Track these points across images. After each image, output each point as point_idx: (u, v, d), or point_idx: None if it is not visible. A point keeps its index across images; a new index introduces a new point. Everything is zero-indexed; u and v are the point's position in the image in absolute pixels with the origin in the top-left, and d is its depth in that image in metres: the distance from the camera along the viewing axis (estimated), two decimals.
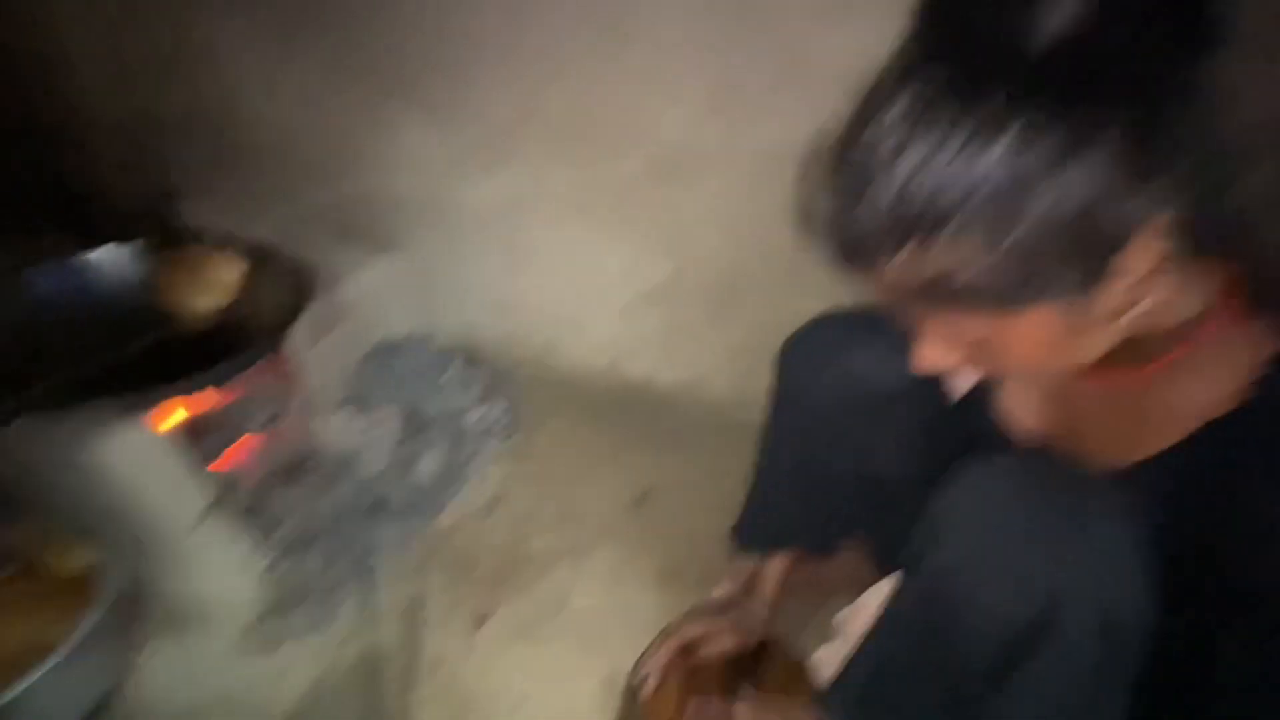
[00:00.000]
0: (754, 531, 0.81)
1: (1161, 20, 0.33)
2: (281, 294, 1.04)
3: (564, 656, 0.88)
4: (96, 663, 0.77)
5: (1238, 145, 0.39)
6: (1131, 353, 0.45)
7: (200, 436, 0.97)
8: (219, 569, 0.92)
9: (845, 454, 0.69)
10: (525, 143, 1.08)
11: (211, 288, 1.04)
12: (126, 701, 0.82)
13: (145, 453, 0.85)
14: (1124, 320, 0.41)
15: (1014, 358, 0.43)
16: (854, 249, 0.41)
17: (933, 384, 0.63)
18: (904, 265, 0.39)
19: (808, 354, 0.70)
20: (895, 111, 0.37)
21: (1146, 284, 0.39)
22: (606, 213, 1.09)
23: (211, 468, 0.97)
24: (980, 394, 0.61)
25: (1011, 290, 0.38)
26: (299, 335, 1.04)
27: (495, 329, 1.28)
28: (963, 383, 0.63)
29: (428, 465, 1.11)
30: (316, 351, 1.08)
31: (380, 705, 0.83)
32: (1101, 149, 0.34)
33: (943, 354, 0.46)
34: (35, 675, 0.68)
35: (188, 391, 0.89)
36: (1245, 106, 0.38)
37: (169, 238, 1.10)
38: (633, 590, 0.96)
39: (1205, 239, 0.39)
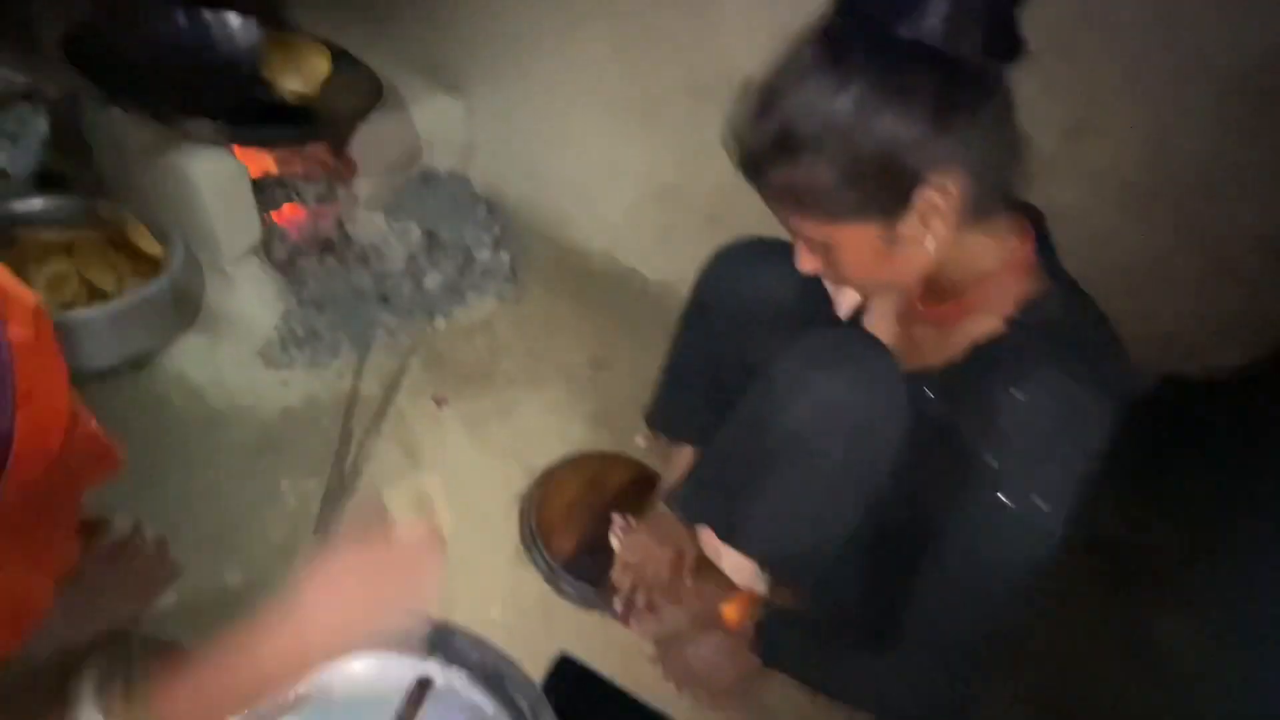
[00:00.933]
0: (661, 420, 0.96)
1: (985, 34, 0.49)
2: (356, 99, 1.22)
3: (494, 451, 1.09)
4: (144, 323, 0.99)
5: (1016, 134, 0.54)
6: (949, 291, 0.62)
7: (266, 189, 1.17)
8: (252, 296, 1.13)
9: (740, 356, 0.79)
10: (590, 41, 1.23)
11: (303, 74, 1.22)
12: (159, 367, 1.04)
13: (225, 176, 1.05)
14: (927, 246, 0.56)
15: (849, 265, 0.59)
16: (748, 161, 0.56)
17: (825, 304, 0.80)
18: (778, 177, 0.55)
19: (722, 269, 0.82)
20: (794, 59, 0.52)
21: (939, 218, 0.54)
22: (640, 116, 1.25)
23: (266, 215, 1.17)
24: (856, 317, 0.79)
25: (840, 204, 0.54)
26: (361, 138, 1.22)
27: (522, 190, 1.46)
28: (845, 306, 0.81)
29: (433, 280, 1.30)
30: (371, 156, 1.27)
31: (348, 432, 1.05)
32: (915, 106, 0.49)
33: (808, 258, 0.61)
34: (98, 309, 0.90)
35: (269, 144, 1.08)
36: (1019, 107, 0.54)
37: (277, 22, 1.27)
38: (566, 421, 1.17)
39: (988, 197, 0.55)
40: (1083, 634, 0.95)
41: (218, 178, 1.04)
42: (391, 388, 1.13)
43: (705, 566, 0.87)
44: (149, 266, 1.01)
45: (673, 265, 1.37)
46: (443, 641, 0.71)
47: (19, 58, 1.16)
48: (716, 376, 0.85)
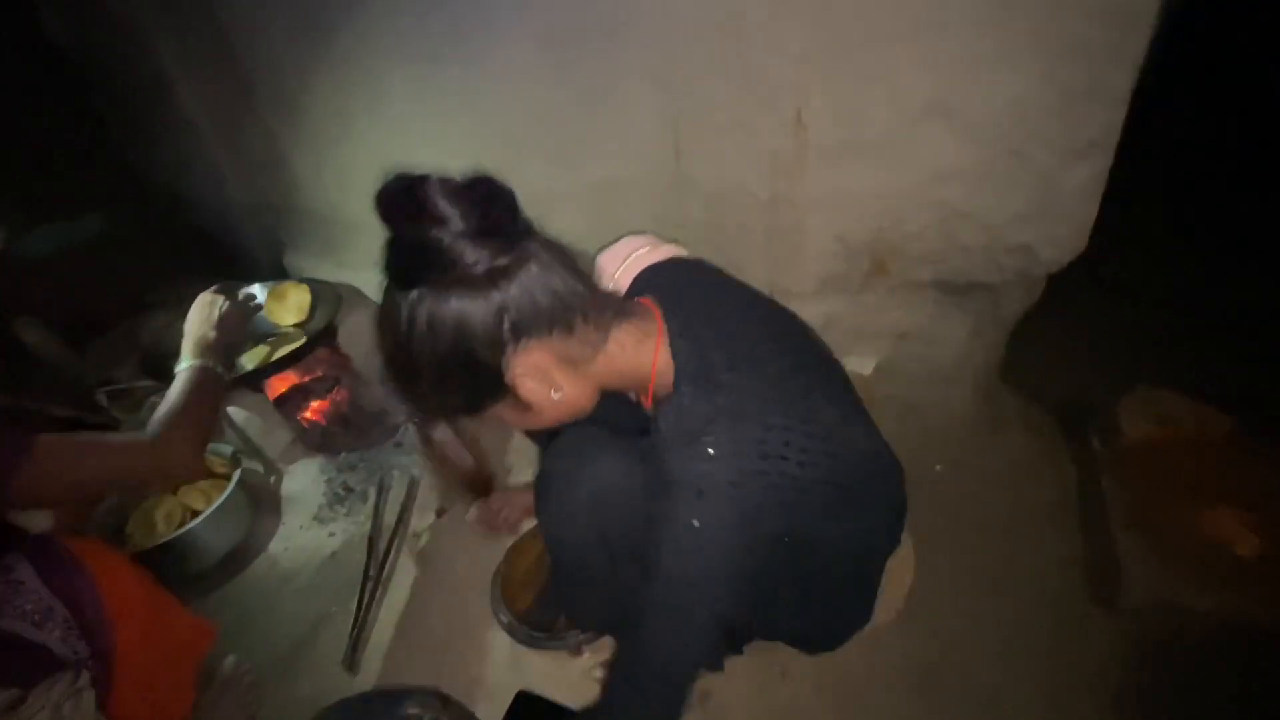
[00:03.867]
0: None
1: (510, 250, 0.61)
2: (330, 308, 1.62)
3: (486, 540, 1.36)
4: (231, 521, 1.40)
5: (563, 278, 0.64)
6: (640, 385, 0.73)
7: (292, 398, 1.59)
8: (302, 478, 1.53)
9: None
10: None
11: (295, 308, 1.65)
12: (250, 548, 1.45)
13: (258, 409, 1.48)
14: (557, 396, 0.66)
15: (524, 425, 0.71)
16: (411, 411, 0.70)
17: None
18: (425, 407, 0.68)
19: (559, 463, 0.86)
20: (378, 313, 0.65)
21: (547, 374, 0.65)
22: None
23: (298, 416, 1.59)
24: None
25: (463, 404, 0.66)
26: (344, 336, 1.62)
27: None
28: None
29: None
30: (355, 342, 1.66)
31: (377, 555, 1.37)
32: (478, 321, 0.60)
33: (515, 425, 0.73)
34: (193, 523, 1.31)
35: (278, 372, 1.50)
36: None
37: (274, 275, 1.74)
38: None
39: (577, 336, 0.65)
40: None
41: (254, 411, 1.46)
42: (405, 512, 1.46)
43: None
44: (227, 483, 1.43)
45: None
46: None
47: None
48: None
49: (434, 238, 0.58)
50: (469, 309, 0.60)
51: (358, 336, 1.68)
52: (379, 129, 1.59)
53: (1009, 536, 1.31)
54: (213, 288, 1.17)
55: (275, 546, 1.44)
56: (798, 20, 1.03)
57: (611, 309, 0.69)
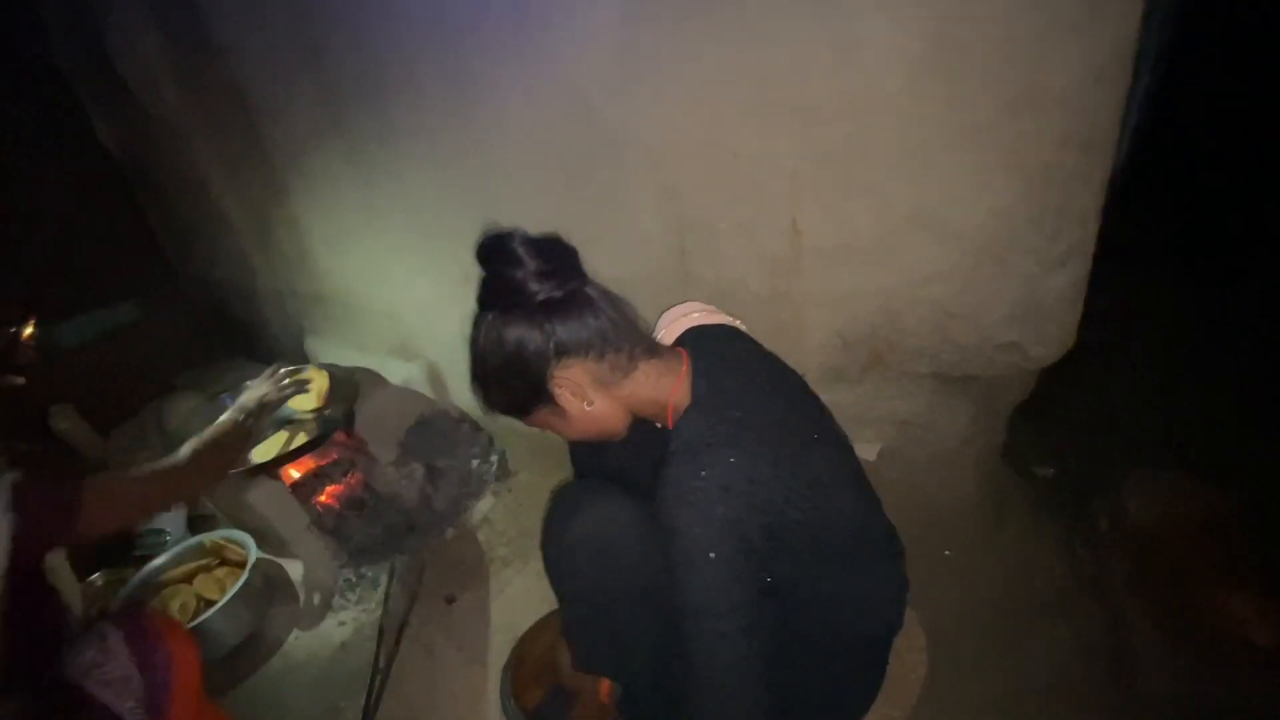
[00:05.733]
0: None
1: (559, 281, 0.76)
2: (348, 392, 1.68)
3: (492, 629, 1.36)
4: (245, 610, 1.42)
5: (613, 316, 0.79)
6: (654, 416, 0.85)
7: (308, 482, 1.63)
8: (314, 563, 1.55)
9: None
10: None
11: (313, 393, 1.71)
12: (263, 637, 1.46)
13: (274, 496, 1.52)
14: (590, 409, 0.81)
15: (561, 433, 0.86)
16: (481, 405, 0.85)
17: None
18: (492, 403, 0.84)
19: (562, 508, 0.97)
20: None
21: (580, 391, 0.80)
22: None
23: (313, 501, 1.63)
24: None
25: (518, 403, 0.82)
26: (361, 419, 1.67)
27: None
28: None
29: (440, 500, 1.67)
30: (372, 426, 1.71)
31: (387, 645, 1.38)
32: (531, 339, 0.77)
33: (559, 432, 0.88)
34: (207, 614, 1.33)
35: (295, 459, 1.55)
36: None
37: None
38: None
39: (615, 362, 0.80)
40: None
41: (270, 498, 1.50)
42: (412, 600, 1.47)
43: None
44: (242, 570, 1.46)
45: None
46: None
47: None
48: None
49: (510, 274, 0.76)
50: (525, 327, 0.77)
51: (375, 420, 1.74)
52: (402, 225, 1.70)
53: (1023, 624, 1.30)
54: (280, 366, 1.34)
55: (285, 634, 1.45)
56: (789, 140, 1.12)
57: (643, 346, 0.83)
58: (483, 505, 1.70)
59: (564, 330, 0.77)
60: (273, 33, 1.59)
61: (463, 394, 1.88)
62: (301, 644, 1.42)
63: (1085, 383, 1.89)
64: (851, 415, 1.38)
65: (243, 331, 2.19)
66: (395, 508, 1.68)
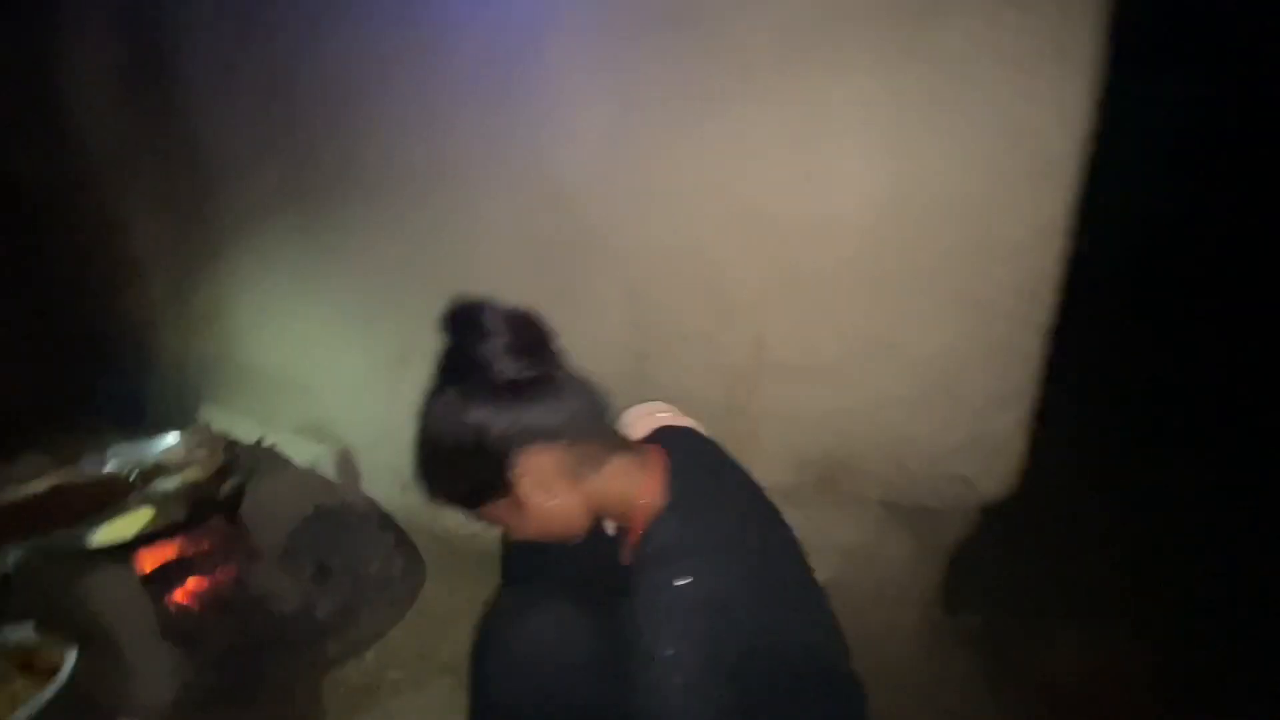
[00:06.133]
0: None
1: (537, 367, 0.71)
2: (244, 473, 1.47)
3: None
4: None
5: (585, 403, 0.73)
6: (622, 516, 0.78)
7: (166, 575, 1.36)
8: (149, 678, 1.25)
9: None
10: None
11: (198, 465, 1.49)
12: None
13: (118, 585, 1.24)
14: (552, 504, 0.73)
15: (516, 529, 0.76)
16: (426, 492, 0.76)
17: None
18: (438, 491, 0.75)
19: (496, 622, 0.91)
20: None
21: (547, 480, 0.72)
22: None
23: (166, 598, 1.34)
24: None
25: (470, 493, 0.73)
26: (249, 502, 1.45)
27: (400, 502, 1.66)
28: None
29: (325, 608, 1.43)
30: (261, 513, 1.48)
31: None
32: (496, 421, 0.69)
33: (509, 528, 0.78)
34: None
35: (154, 543, 1.30)
36: None
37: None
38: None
39: (585, 453, 0.73)
40: None
41: (112, 586, 1.23)
42: None
43: None
44: (48, 682, 1.15)
45: None
46: None
47: None
48: None
49: (477, 348, 0.70)
50: (490, 409, 0.69)
51: (265, 505, 1.51)
52: (341, 295, 1.60)
53: None
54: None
55: None
56: (755, 256, 1.16)
57: (617, 440, 0.77)
58: (375, 617, 1.46)
59: (533, 414, 0.70)
60: (246, 102, 1.56)
61: (378, 484, 1.69)
62: None
63: (1028, 526, 1.94)
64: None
65: (122, 391, 1.92)
66: (268, 612, 1.42)
